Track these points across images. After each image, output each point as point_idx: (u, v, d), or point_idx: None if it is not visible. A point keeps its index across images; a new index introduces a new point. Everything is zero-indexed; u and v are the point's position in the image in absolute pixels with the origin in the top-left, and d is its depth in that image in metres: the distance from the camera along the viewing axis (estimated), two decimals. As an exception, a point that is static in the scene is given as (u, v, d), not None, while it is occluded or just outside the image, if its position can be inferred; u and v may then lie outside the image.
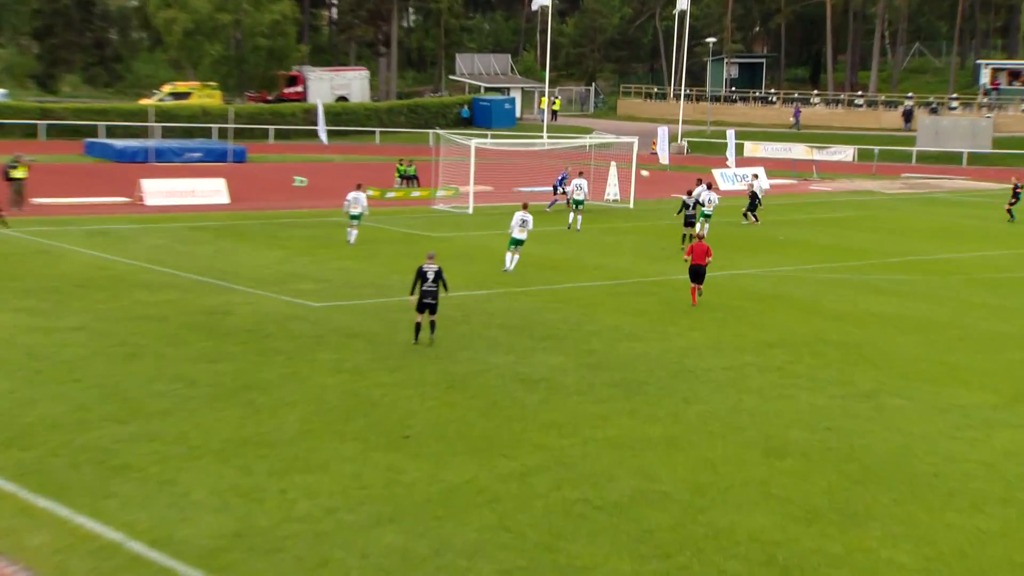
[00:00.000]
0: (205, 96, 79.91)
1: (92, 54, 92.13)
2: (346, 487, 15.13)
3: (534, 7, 78.71)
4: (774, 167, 65.18)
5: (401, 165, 53.21)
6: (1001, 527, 14.73)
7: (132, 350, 21.49)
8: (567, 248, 36.44)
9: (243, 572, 12.62)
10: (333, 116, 77.80)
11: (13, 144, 58.70)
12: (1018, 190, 46.47)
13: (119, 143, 61.61)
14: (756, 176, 47.30)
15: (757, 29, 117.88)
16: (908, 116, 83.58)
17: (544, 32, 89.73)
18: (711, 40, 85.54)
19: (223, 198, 45.97)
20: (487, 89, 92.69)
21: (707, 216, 37.93)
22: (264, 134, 75.02)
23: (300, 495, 14.71)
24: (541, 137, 67.81)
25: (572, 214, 40.43)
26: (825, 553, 13.66)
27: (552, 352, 22.77)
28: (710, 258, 28.21)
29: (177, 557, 12.81)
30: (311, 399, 19.06)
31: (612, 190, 49.09)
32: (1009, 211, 46.13)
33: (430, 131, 72.29)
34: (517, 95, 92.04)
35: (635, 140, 50.93)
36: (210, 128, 72.07)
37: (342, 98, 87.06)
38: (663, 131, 67.30)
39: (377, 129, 79.48)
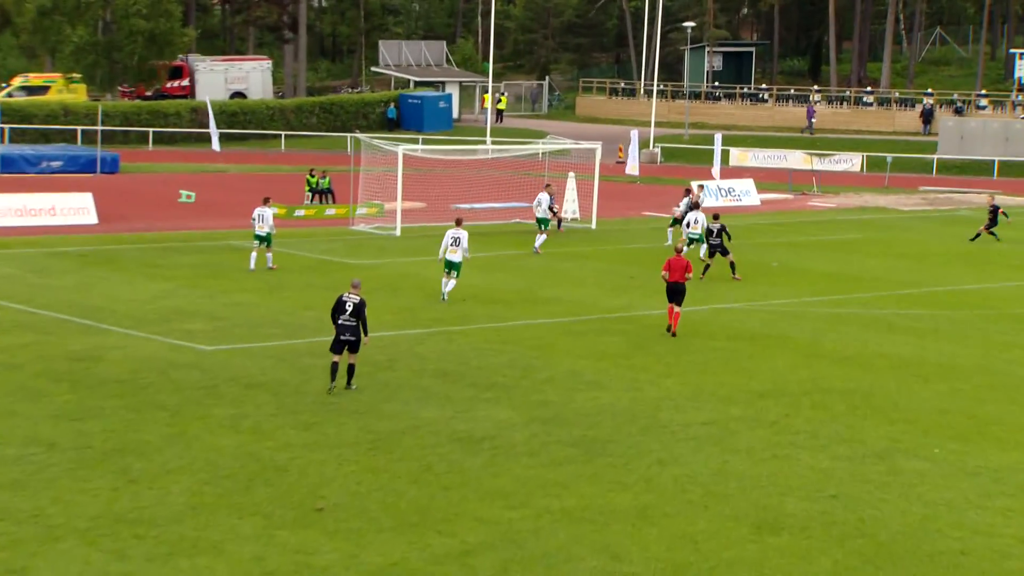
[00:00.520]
0: (66, 91, 79.41)
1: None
2: (246, 574, 15.08)
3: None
4: (766, 179, 66.03)
5: (312, 177, 53.22)
6: (1039, 612, 15.02)
7: (-23, 406, 21.33)
8: (516, 277, 36.64)
9: None
10: (227, 116, 77.64)
11: None
12: (999, 212, 47.45)
13: (-44, 149, 61.11)
14: (701, 187, 47.77)
15: (745, 12, 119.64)
16: (927, 117, 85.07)
17: (487, 15, 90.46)
18: (689, 25, 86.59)
19: (90, 217, 45.67)
20: (417, 84, 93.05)
21: (695, 239, 38.49)
22: (142, 138, 74.69)
23: (188, 583, 14.68)
24: (484, 142, 68.15)
25: (539, 235, 41.10)
26: (829, 646, 13.85)
27: (497, 404, 22.87)
28: (690, 274, 29.42)
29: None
30: (201, 465, 19.00)
31: (570, 207, 49.44)
32: (992, 232, 47.19)
33: (348, 135, 72.32)
34: (454, 91, 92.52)
35: (598, 146, 51.41)
36: (74, 131, 71.61)
37: (238, 94, 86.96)
38: (633, 136, 67.93)
39: (282, 132, 79.45)
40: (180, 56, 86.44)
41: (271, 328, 28.67)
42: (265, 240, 36.31)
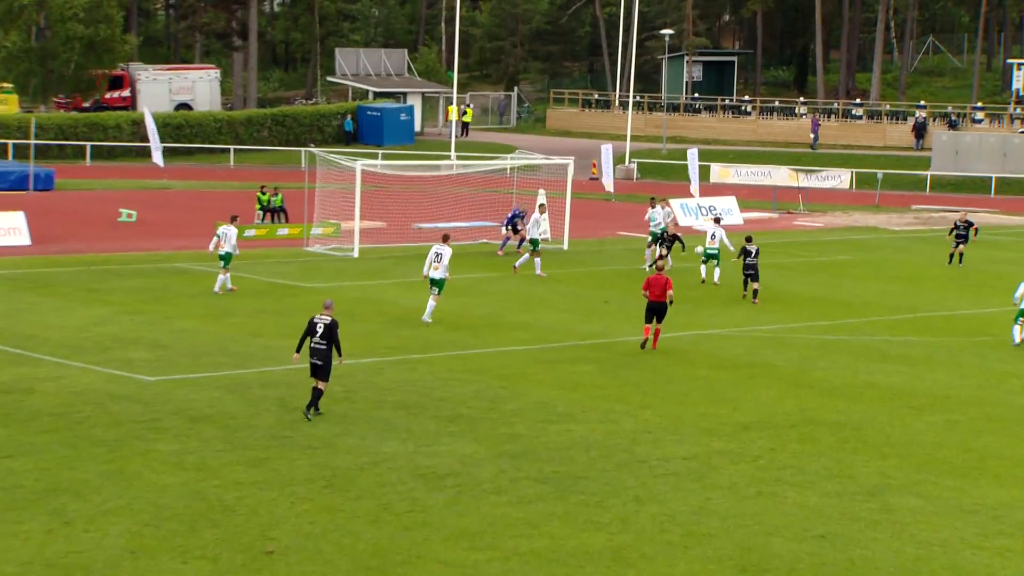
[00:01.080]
0: (-3, 102, 79.08)
1: None
2: (189, 621, 14.99)
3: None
4: (750, 196, 66.36)
5: (264, 194, 53.12)
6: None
7: (-101, 441, 21.17)
8: (482, 301, 36.66)
9: None
10: (172, 129, 77.43)
11: None
12: (970, 227, 47.14)
13: None
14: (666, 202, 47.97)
15: (727, 19, 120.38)
16: (920, 131, 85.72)
17: (451, 21, 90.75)
18: (667, 32, 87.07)
19: (22, 238, 45.43)
20: (377, 95, 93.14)
21: (713, 255, 40.08)
22: (79, 153, 74.41)
23: (127, 633, 14.59)
24: (448, 157, 68.20)
25: (530, 255, 41.13)
26: None
27: (462, 438, 22.85)
28: (671, 292, 30.13)
29: None
30: (142, 505, 18.89)
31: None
32: (960, 255, 46.57)
33: (302, 149, 72.23)
34: (416, 102, 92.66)
35: (570, 161, 51.55)
36: (4, 145, 71.27)
37: (184, 105, 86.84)
38: (607, 150, 68.15)
39: (231, 147, 79.33)
40: (121, 65, 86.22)
41: (218, 357, 28.55)
42: (224, 260, 36.38)
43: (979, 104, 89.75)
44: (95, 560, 16.73)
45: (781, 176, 74.71)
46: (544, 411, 24.88)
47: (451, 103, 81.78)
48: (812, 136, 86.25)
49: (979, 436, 24.43)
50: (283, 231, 49.99)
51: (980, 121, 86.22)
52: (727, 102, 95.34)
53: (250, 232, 49.09)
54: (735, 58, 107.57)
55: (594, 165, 74.24)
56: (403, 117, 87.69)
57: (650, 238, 43.77)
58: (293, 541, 17.68)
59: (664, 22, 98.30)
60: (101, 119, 77.93)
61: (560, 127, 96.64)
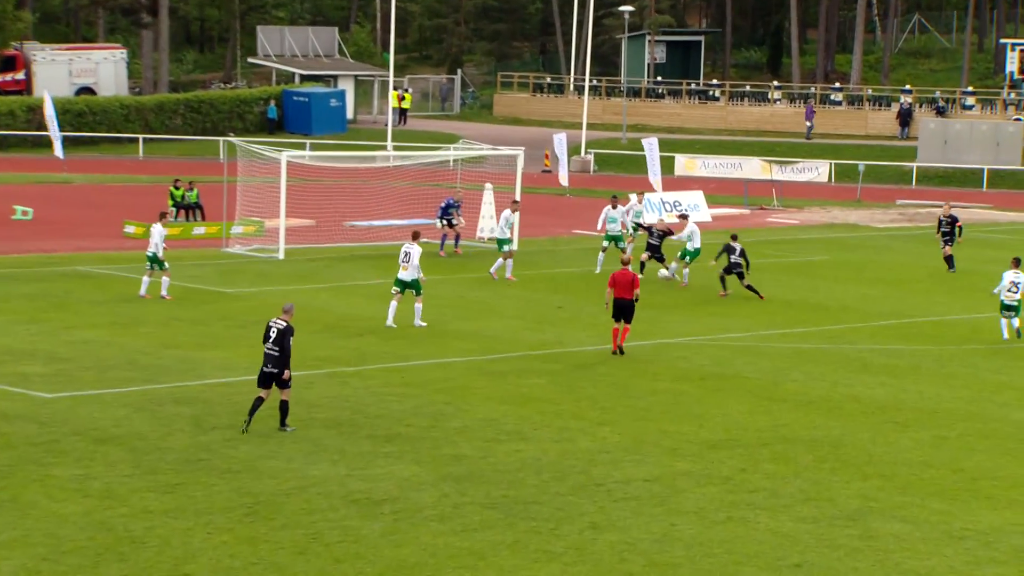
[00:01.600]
0: None
1: None
2: (94, 666, 14.90)
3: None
4: (718, 190, 66.65)
5: (177, 189, 52.89)
6: None
7: None
8: (423, 308, 36.59)
9: None
10: (73, 116, 76.91)
11: None
12: (957, 223, 45.71)
13: None
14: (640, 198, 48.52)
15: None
16: (905, 118, 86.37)
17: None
18: (627, 9, 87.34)
19: (-94, 238, 45.01)
20: (304, 78, 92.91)
21: (690, 255, 41.01)
22: (-31, 143, 73.81)
23: None
24: (384, 148, 68.11)
25: (501, 259, 41.27)
26: None
27: (401, 459, 22.83)
28: (637, 290, 30.88)
29: None
30: (39, 537, 18.76)
31: (487, 224, 49.57)
32: (949, 258, 45.45)
33: (220, 139, 71.91)
34: (348, 87, 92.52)
35: (520, 152, 51.61)
36: None
37: (86, 89, 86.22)
38: (560, 140, 68.28)
39: (140, 136, 78.91)
40: (14, 44, 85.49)
41: (126, 371, 28.39)
42: (154, 262, 36.24)
43: (969, 88, 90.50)
44: (-12, 598, 16.60)
45: (753, 168, 75.11)
46: (491, 429, 24.88)
47: (388, 88, 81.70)
48: (808, 125, 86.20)
49: (970, 454, 24.64)
50: (199, 230, 49.76)
51: (971, 107, 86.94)
52: (693, 86, 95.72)
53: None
54: (702, 38, 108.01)
55: (546, 156, 74.38)
56: (333, 103, 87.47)
57: (605, 241, 43.88)
58: (210, 575, 17.59)
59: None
60: (-8, 106, 77.34)
61: (509, 114, 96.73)
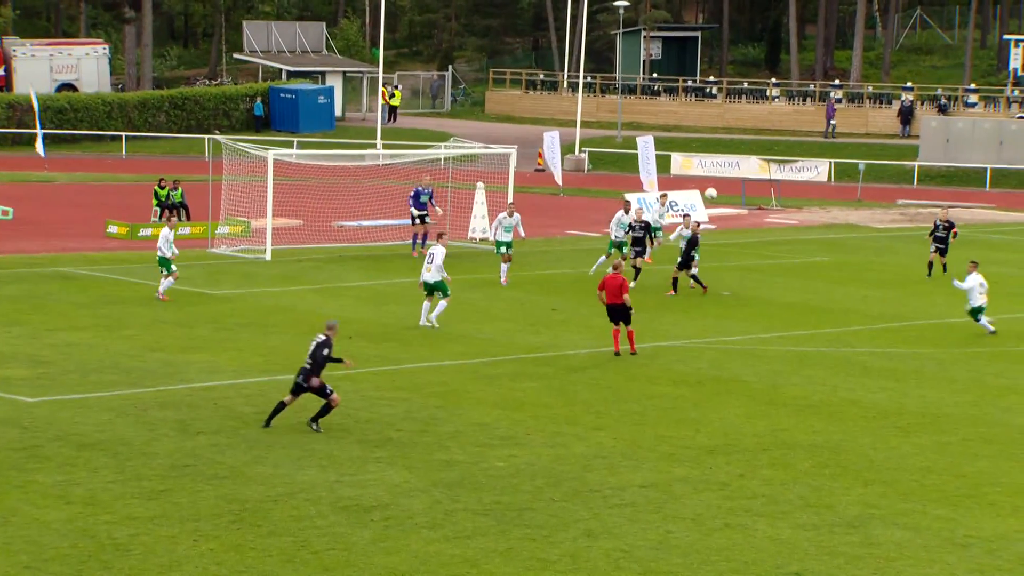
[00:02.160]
0: None
1: None
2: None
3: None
4: (716, 190, 66.61)
5: (161, 188, 52.84)
6: None
7: None
8: (413, 310, 36.64)
9: None
10: (54, 113, 76.84)
11: None
12: (952, 229, 44.71)
13: None
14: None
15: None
16: (907, 116, 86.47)
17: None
18: (622, 4, 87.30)
19: None
20: (291, 75, 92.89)
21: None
22: (-53, 140, 73.71)
23: None
24: (373, 146, 68.10)
25: (505, 261, 41.17)
26: None
27: (392, 465, 22.84)
28: (626, 294, 31.09)
29: None
30: (21, 545, 18.74)
31: (480, 224, 49.61)
32: (934, 264, 44.22)
33: (205, 137, 71.86)
34: (336, 83, 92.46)
35: (512, 151, 51.65)
36: None
37: (68, 86, 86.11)
38: (552, 138, 68.31)
39: (123, 133, 78.85)
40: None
41: (110, 374, 28.38)
42: (164, 266, 36.59)
43: (972, 86, 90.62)
44: (-31, 607, 16.61)
45: (751, 167, 75.12)
46: (484, 434, 24.90)
47: (378, 84, 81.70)
48: (832, 124, 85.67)
49: (973, 460, 24.68)
50: (184, 230, 49.70)
51: (974, 105, 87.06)
52: (690, 83, 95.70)
53: (146, 231, 48.83)
54: (699, 34, 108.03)
55: (540, 155, 74.39)
56: (321, 100, 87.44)
57: (612, 248, 43.60)
58: (197, 584, 17.64)
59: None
60: (-30, 102, 77.27)
61: (501, 111, 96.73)
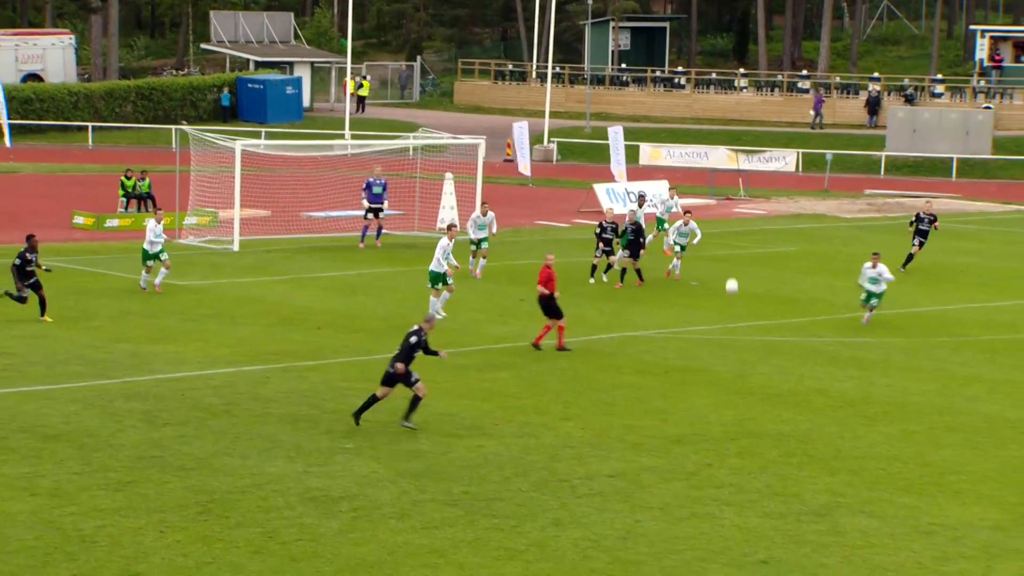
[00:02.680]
0: None
1: None
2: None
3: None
4: (684, 180, 66.64)
5: (128, 179, 52.65)
6: None
7: None
8: (380, 301, 36.63)
9: None
10: (20, 104, 76.48)
11: None
12: (934, 222, 44.50)
13: None
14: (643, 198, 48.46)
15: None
16: (873, 106, 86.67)
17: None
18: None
19: None
20: (259, 65, 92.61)
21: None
22: (-88, 131, 73.27)
23: None
24: (342, 136, 67.97)
25: (474, 258, 41.00)
26: None
27: (359, 456, 22.83)
28: (551, 286, 31.03)
29: None
30: (-11, 535, 18.70)
31: (448, 214, 49.57)
32: (910, 255, 43.78)
33: (172, 127, 71.60)
34: (304, 74, 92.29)
35: (481, 141, 51.59)
36: None
37: (33, 76, 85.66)
38: (521, 128, 68.27)
39: (90, 124, 78.51)
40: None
41: (75, 366, 28.29)
42: (152, 258, 36.37)
43: (939, 76, 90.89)
44: (-66, 600, 16.54)
45: (719, 157, 75.25)
46: (452, 424, 24.91)
47: (345, 74, 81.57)
48: (818, 115, 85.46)
49: (938, 448, 24.81)
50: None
51: (940, 95, 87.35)
52: (658, 74, 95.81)
53: (113, 222, 48.67)
54: (667, 24, 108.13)
55: (508, 145, 74.35)
56: (289, 90, 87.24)
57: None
58: None
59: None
60: (-65, 93, 76.80)
61: (469, 102, 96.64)
